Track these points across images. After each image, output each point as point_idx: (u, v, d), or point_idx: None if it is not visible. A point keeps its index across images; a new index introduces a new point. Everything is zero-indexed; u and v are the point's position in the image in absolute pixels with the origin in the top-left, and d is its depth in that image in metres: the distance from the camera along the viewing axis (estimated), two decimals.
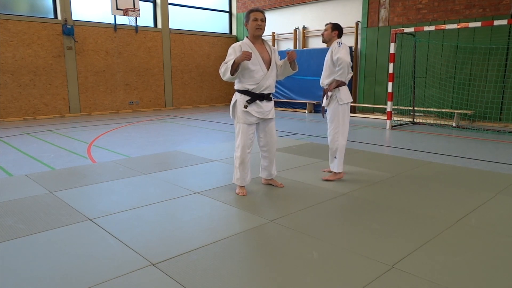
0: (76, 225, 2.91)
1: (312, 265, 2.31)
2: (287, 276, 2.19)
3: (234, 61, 3.29)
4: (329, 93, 3.99)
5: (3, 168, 4.75)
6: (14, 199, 3.48)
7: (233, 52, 3.42)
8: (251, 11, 3.47)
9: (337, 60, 3.84)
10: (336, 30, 3.98)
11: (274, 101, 3.69)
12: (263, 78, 3.47)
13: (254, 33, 3.46)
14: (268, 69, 3.50)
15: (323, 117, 4.18)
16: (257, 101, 3.51)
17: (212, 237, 2.70)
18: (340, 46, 3.87)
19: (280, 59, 3.69)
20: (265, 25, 3.49)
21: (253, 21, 3.43)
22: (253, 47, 3.46)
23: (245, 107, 3.48)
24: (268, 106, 3.58)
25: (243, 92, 3.51)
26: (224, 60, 3.46)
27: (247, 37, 3.54)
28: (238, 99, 3.54)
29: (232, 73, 3.33)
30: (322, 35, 4.06)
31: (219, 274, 2.20)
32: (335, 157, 4.06)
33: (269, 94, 3.59)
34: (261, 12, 3.48)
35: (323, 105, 4.14)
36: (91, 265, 2.31)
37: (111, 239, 2.67)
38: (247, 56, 3.25)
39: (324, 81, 4.06)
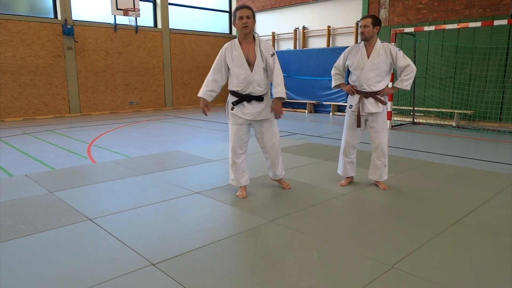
0: (76, 225, 2.91)
1: (312, 265, 2.31)
2: (287, 275, 2.19)
3: (201, 98, 3.45)
4: (382, 98, 3.63)
5: (3, 168, 4.75)
6: (14, 199, 3.48)
7: (219, 54, 3.40)
8: (237, 9, 3.28)
9: (409, 68, 3.51)
10: (378, 25, 3.54)
11: None
12: (246, 80, 3.33)
13: (241, 32, 3.29)
14: (252, 71, 3.32)
15: (360, 126, 3.73)
16: (244, 103, 3.39)
17: (212, 237, 2.70)
18: (400, 51, 3.56)
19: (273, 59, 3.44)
20: (252, 22, 3.26)
21: (238, 19, 3.25)
22: (239, 48, 3.33)
23: (232, 108, 3.44)
24: (257, 107, 3.40)
25: (232, 92, 3.47)
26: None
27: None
28: (229, 99, 3.50)
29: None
30: (363, 32, 3.52)
31: (219, 274, 2.20)
32: (385, 165, 3.82)
33: (260, 95, 3.41)
34: (246, 9, 3.25)
35: (361, 112, 3.67)
36: (91, 265, 2.31)
37: (111, 239, 2.67)
38: (203, 112, 3.50)
39: (376, 85, 3.59)
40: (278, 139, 3.65)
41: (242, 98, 3.40)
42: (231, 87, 3.44)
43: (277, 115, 3.47)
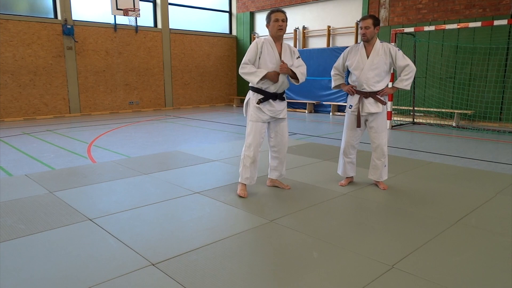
0: (76, 225, 2.91)
1: (312, 265, 2.31)
2: (287, 275, 2.19)
3: (266, 74, 3.38)
4: (382, 98, 3.63)
5: (3, 168, 4.75)
6: (14, 199, 3.48)
7: (254, 47, 3.43)
8: (272, 11, 3.47)
9: (408, 68, 3.52)
10: (378, 25, 3.57)
11: None
12: (281, 79, 3.48)
13: (275, 34, 3.46)
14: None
15: (359, 126, 3.74)
16: (270, 100, 3.52)
17: (212, 237, 2.70)
18: (399, 50, 3.58)
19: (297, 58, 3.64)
20: (286, 25, 3.47)
21: (274, 21, 3.42)
22: (274, 46, 3.47)
23: (258, 102, 3.49)
24: (280, 106, 3.58)
25: (257, 90, 3.52)
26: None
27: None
28: (251, 97, 3.56)
29: (258, 82, 3.39)
30: (364, 34, 3.54)
31: (219, 274, 2.20)
32: (385, 165, 3.82)
33: (282, 93, 3.60)
34: (282, 13, 3.45)
35: (361, 112, 3.68)
36: (91, 265, 2.31)
37: (111, 239, 2.67)
38: (283, 70, 3.40)
39: (376, 85, 3.60)
40: (288, 138, 3.80)
41: (269, 96, 3.51)
42: (259, 84, 3.47)
43: (283, 66, 3.43)
